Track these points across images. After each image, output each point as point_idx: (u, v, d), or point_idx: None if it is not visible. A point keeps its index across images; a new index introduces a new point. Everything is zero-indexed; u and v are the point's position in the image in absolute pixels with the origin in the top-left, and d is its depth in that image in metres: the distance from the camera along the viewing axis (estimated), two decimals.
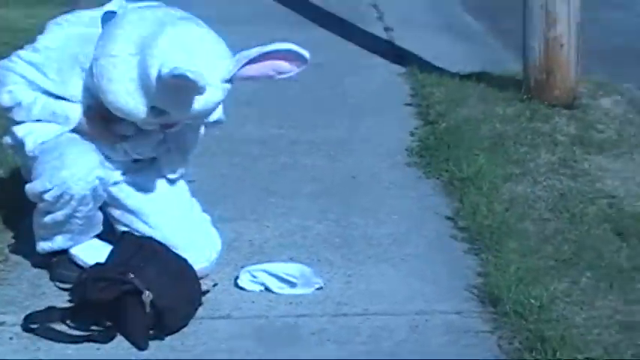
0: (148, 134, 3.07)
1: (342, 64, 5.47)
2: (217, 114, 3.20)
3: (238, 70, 2.89)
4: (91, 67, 2.94)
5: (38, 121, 3.03)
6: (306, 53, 2.95)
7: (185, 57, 2.80)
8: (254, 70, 2.93)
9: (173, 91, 2.82)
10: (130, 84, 2.86)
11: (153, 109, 2.88)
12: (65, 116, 3.02)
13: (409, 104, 4.86)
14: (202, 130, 3.26)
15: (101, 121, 3.04)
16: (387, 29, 6.19)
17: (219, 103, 2.96)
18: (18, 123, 3.05)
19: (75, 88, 3.02)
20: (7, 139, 3.14)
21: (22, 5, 6.46)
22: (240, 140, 4.35)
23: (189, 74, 2.74)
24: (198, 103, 2.87)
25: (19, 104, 3.02)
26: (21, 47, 5.41)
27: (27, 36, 5.65)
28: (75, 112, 3.02)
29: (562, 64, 4.71)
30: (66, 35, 3.07)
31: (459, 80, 5.04)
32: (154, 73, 2.81)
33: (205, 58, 2.84)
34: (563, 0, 4.67)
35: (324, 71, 5.28)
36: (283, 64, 2.94)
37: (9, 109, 3.04)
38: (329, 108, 4.82)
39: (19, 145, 3.07)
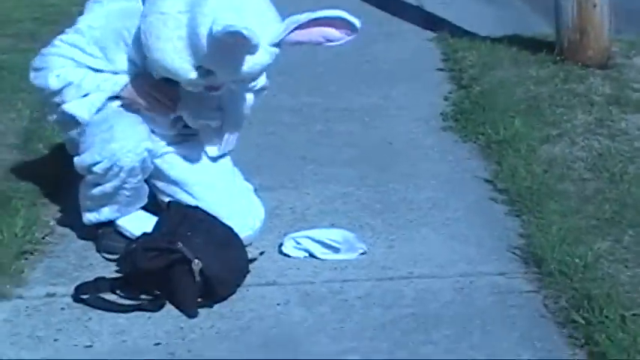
0: (200, 102, 3.09)
1: (372, 31, 5.45)
2: (262, 81, 3.21)
3: (287, 34, 2.90)
4: (137, 37, 2.96)
5: (86, 95, 3.05)
6: (356, 21, 2.93)
7: (236, 16, 2.80)
8: (302, 36, 2.92)
9: (223, 49, 2.82)
10: (178, 42, 2.87)
11: (199, 69, 2.89)
12: (113, 83, 3.04)
13: (441, 69, 4.86)
14: (251, 99, 3.27)
15: (150, 92, 3.05)
16: None
17: (266, 67, 2.96)
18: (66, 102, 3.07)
19: (122, 63, 3.04)
20: (54, 116, 3.17)
21: None
22: (275, 109, 4.37)
23: (244, 31, 2.74)
24: (247, 64, 2.88)
25: (68, 84, 3.03)
26: (50, 22, 5.50)
27: (56, 10, 5.76)
28: (121, 80, 3.04)
29: (595, 24, 4.69)
30: (107, 12, 3.08)
31: (490, 44, 5.03)
32: (203, 32, 2.81)
33: (255, 19, 2.84)
34: None
35: (355, 39, 5.24)
36: (333, 32, 2.93)
37: (58, 91, 3.04)
38: (361, 75, 4.83)
39: (68, 120, 3.08)
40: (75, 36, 3.07)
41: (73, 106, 3.04)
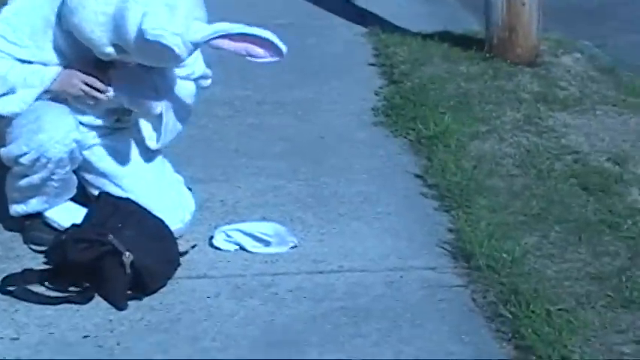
0: (135, 83, 3.05)
1: (303, 25, 5.47)
2: (200, 69, 3.21)
3: (212, 39, 2.89)
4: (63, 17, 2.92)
5: (12, 92, 2.99)
6: (283, 48, 2.94)
7: (166, 12, 2.79)
8: (227, 44, 2.91)
9: (146, 45, 2.81)
10: (101, 16, 2.84)
11: (115, 46, 2.88)
12: (40, 78, 3.00)
13: (373, 64, 4.89)
14: (192, 88, 3.24)
15: (80, 83, 3.02)
16: None
17: (181, 61, 2.94)
18: None
19: (50, 51, 3.00)
20: None
21: None
22: (207, 101, 4.33)
23: (175, 49, 2.76)
24: (163, 56, 2.87)
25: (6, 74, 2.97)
26: None
27: None
28: (49, 73, 3.00)
29: (524, 23, 4.75)
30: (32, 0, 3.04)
31: (421, 40, 5.07)
32: (131, 19, 2.79)
33: (184, 16, 2.83)
34: None
35: (286, 32, 5.16)
36: (258, 50, 2.94)
37: None
38: (293, 69, 4.82)
39: None
40: (1, 25, 3.02)
41: (1, 105, 2.99)
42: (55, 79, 3.00)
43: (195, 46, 2.88)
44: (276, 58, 2.97)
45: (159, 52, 2.81)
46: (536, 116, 4.23)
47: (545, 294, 2.84)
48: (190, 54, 2.91)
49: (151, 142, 3.17)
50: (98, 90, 3.01)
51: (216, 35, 2.88)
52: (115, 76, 3.02)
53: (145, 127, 3.15)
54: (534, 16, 4.77)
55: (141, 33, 2.78)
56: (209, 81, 3.32)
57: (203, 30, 2.87)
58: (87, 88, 3.00)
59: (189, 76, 3.20)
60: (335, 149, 3.97)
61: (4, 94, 2.98)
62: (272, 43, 2.93)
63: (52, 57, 3.01)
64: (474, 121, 4.13)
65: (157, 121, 3.14)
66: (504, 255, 3.04)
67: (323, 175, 3.72)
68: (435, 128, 3.99)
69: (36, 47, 3.00)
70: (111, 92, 3.02)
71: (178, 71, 3.16)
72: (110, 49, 2.89)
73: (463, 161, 3.74)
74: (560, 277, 2.98)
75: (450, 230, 3.29)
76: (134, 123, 3.17)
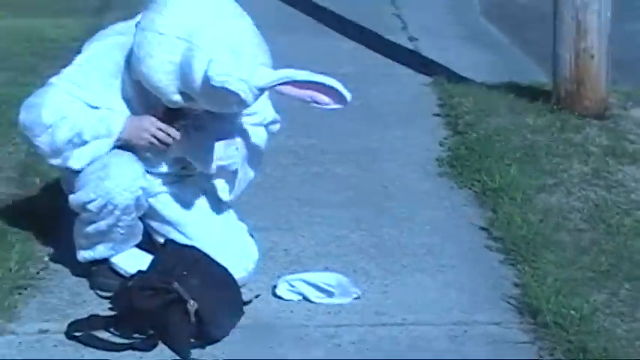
0: (211, 143, 3.08)
1: (368, 74, 5.48)
2: (271, 115, 3.23)
3: (277, 84, 2.91)
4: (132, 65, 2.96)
5: (84, 141, 3.01)
6: (348, 95, 2.96)
7: (232, 58, 2.82)
8: (292, 90, 2.95)
9: (213, 91, 2.84)
10: (168, 65, 2.88)
11: (182, 94, 2.91)
12: (107, 127, 3.02)
13: (437, 114, 4.87)
14: (264, 135, 3.26)
15: (150, 131, 3.04)
16: (411, 39, 6.19)
17: (245, 107, 2.96)
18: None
19: (119, 97, 3.04)
20: (51, 161, 3.16)
21: (50, 16, 6.49)
22: (271, 150, 4.33)
23: (241, 94, 2.78)
24: (228, 101, 2.89)
25: (63, 118, 3.00)
26: (50, 57, 5.50)
27: (55, 45, 5.76)
28: (118, 122, 3.03)
29: (592, 75, 4.71)
30: (104, 46, 3.09)
31: (486, 90, 5.04)
32: (197, 67, 2.83)
33: (250, 62, 2.86)
34: (593, 11, 4.68)
35: (351, 81, 5.20)
36: (322, 97, 2.96)
37: (52, 125, 3.00)
38: (358, 118, 4.83)
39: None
40: (72, 71, 3.07)
41: (74, 160, 3.02)
42: (124, 127, 3.02)
43: (261, 91, 2.91)
44: (340, 106, 2.98)
45: (225, 97, 2.84)
46: (604, 170, 4.18)
47: (615, 354, 2.79)
48: (256, 99, 2.93)
49: (224, 195, 3.19)
50: (169, 135, 3.03)
51: (282, 81, 2.90)
52: (190, 137, 3.05)
53: (219, 179, 3.17)
54: (603, 69, 4.73)
55: (207, 79, 2.81)
56: (278, 126, 3.34)
57: (268, 76, 2.89)
58: (160, 134, 3.02)
59: (261, 122, 3.22)
60: (398, 199, 3.95)
61: (77, 145, 3.00)
62: (336, 90, 2.95)
63: (121, 104, 3.05)
64: (541, 173, 4.09)
65: (230, 173, 3.16)
66: (572, 312, 2.98)
67: (386, 226, 3.70)
68: (500, 180, 3.96)
69: (105, 92, 3.04)
70: (178, 135, 3.04)
71: (251, 119, 3.18)
72: (177, 97, 2.93)
73: (529, 214, 3.70)
74: (631, 336, 2.92)
75: (516, 285, 3.25)
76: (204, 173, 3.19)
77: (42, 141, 3.01)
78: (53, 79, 3.08)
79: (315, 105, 2.98)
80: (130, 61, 2.97)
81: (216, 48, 2.84)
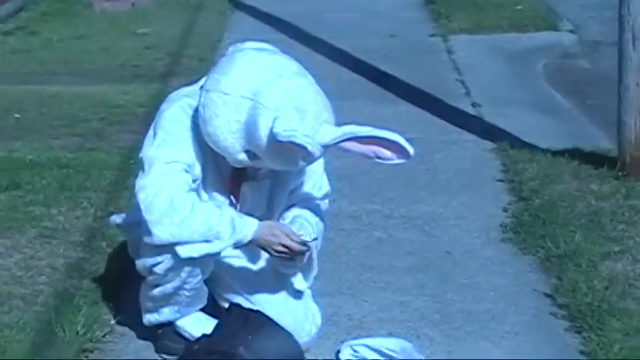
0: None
1: (431, 139, 5.49)
2: (326, 187, 3.26)
3: (341, 141, 2.94)
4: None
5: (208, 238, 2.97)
6: (411, 150, 2.98)
7: (297, 116, 2.87)
8: (355, 147, 2.98)
9: (279, 147, 2.88)
10: (234, 124, 2.93)
11: (248, 152, 2.94)
12: (240, 231, 3.00)
13: (501, 180, 4.86)
14: (326, 205, 3.29)
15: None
16: (474, 105, 6.20)
17: (311, 160, 2.99)
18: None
19: (192, 155, 3.05)
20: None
21: (116, 82, 6.63)
22: (334, 215, 4.37)
23: (308, 146, 2.81)
24: (295, 156, 2.93)
25: (192, 209, 2.96)
26: (116, 122, 5.61)
27: (121, 111, 5.88)
28: (250, 228, 3.01)
29: None
30: (174, 112, 3.09)
31: (550, 156, 5.03)
32: (262, 125, 2.87)
33: (314, 119, 2.90)
34: None
35: (414, 146, 5.23)
36: (385, 152, 2.99)
37: (179, 212, 2.95)
38: (421, 183, 4.84)
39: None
40: (160, 140, 3.02)
41: (186, 249, 2.97)
42: (256, 233, 3.01)
43: (325, 148, 2.93)
44: (403, 160, 3.00)
45: (291, 152, 2.88)
46: None
47: None
48: (321, 155, 2.96)
49: (300, 284, 3.20)
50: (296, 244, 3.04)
51: (345, 137, 2.92)
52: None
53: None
54: None
55: (273, 136, 2.85)
56: (327, 201, 3.36)
57: (332, 132, 2.92)
58: (290, 242, 3.03)
59: (325, 195, 3.26)
60: (462, 265, 3.94)
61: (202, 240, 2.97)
62: (399, 144, 2.97)
63: (195, 160, 3.04)
64: (606, 240, 4.05)
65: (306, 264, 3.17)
66: None
67: (450, 292, 3.69)
68: (565, 247, 3.93)
69: (183, 151, 3.02)
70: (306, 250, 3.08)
71: (316, 192, 3.21)
72: (243, 156, 2.96)
73: (595, 281, 3.66)
74: None
75: (582, 352, 3.22)
76: None
77: (165, 228, 2.94)
78: (149, 153, 3.01)
79: (378, 160, 3.00)
80: (197, 124, 3.02)
81: (280, 106, 2.88)
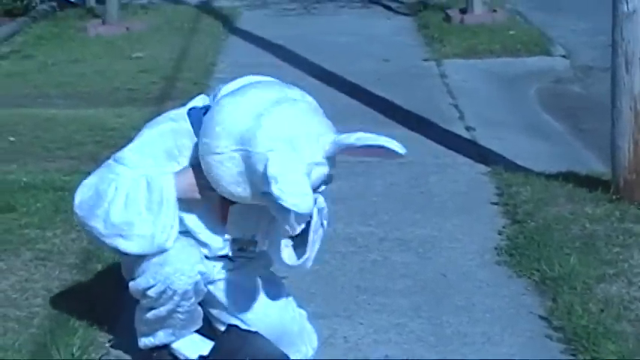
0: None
1: (426, 163, 5.51)
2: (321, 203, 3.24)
3: (338, 152, 2.95)
4: (187, 156, 3.04)
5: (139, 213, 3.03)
6: (402, 150, 2.99)
7: (288, 147, 2.87)
8: (352, 152, 2.97)
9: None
10: (238, 177, 2.94)
11: (264, 193, 2.93)
12: (160, 187, 3.04)
13: (495, 203, 4.87)
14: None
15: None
16: (468, 129, 6.22)
17: (327, 177, 2.97)
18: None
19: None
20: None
21: (111, 105, 6.64)
22: (330, 238, 4.37)
23: (294, 208, 2.81)
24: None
25: (117, 190, 3.03)
26: (111, 145, 5.62)
27: (116, 134, 5.89)
28: (170, 183, 3.05)
29: None
30: (158, 133, 3.11)
31: (545, 180, 5.04)
32: (260, 169, 2.88)
33: (307, 141, 2.90)
34: None
35: (409, 169, 5.33)
36: (379, 152, 2.99)
37: (108, 201, 3.03)
38: (415, 206, 4.85)
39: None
40: (125, 155, 3.10)
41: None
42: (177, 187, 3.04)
43: (329, 160, 2.93)
44: (397, 159, 3.04)
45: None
46: None
47: None
48: (332, 165, 2.95)
49: (289, 258, 3.09)
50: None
51: (340, 149, 2.93)
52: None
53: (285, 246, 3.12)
54: None
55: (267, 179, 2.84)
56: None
57: (329, 140, 2.92)
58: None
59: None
60: (457, 288, 3.95)
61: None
62: (390, 150, 2.97)
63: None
64: (601, 263, 4.06)
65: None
66: None
67: (445, 314, 3.70)
68: (560, 269, 3.94)
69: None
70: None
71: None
72: (259, 198, 2.95)
73: (590, 304, 3.67)
74: None
75: None
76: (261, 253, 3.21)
77: (97, 220, 3.03)
78: (109, 162, 3.13)
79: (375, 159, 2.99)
80: (180, 146, 3.06)
81: (269, 145, 2.88)
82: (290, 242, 3.03)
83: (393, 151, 2.97)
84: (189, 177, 3.05)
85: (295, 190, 2.81)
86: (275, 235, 3.10)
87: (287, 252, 3.03)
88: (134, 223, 3.00)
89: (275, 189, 2.81)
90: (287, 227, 2.91)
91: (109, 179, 3.04)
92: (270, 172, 2.83)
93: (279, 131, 2.89)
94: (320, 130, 2.94)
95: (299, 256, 3.03)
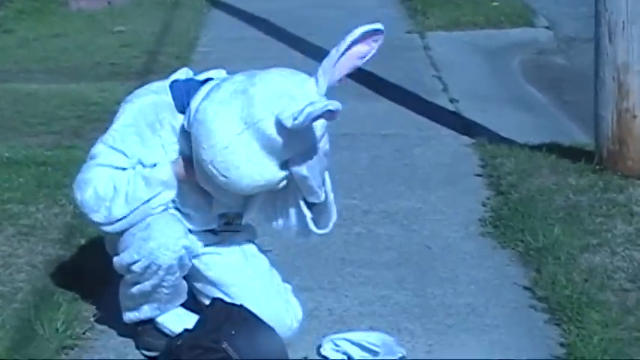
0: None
1: (409, 135, 5.51)
2: None
3: (331, 80, 2.94)
4: (171, 127, 3.04)
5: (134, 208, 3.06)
6: (379, 25, 2.98)
7: (286, 100, 2.87)
8: (341, 70, 2.96)
9: (303, 132, 2.88)
10: (255, 157, 2.91)
11: (282, 165, 2.92)
12: (159, 180, 3.06)
13: (479, 175, 4.88)
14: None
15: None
16: (452, 100, 6.21)
17: (335, 112, 2.91)
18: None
19: (160, 153, 3.08)
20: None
21: (93, 80, 6.60)
22: None
23: (330, 106, 2.81)
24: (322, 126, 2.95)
25: (115, 190, 3.05)
26: (94, 120, 5.60)
27: (99, 109, 5.87)
28: (166, 173, 3.07)
29: (635, 135, 4.70)
30: (139, 108, 3.11)
31: (528, 151, 5.04)
32: (274, 133, 2.87)
33: (298, 89, 2.90)
34: (635, 72, 4.68)
35: (393, 142, 5.33)
36: (362, 48, 2.98)
37: (105, 199, 3.05)
38: (399, 178, 4.85)
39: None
40: (111, 137, 3.09)
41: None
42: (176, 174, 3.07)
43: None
44: (380, 40, 2.99)
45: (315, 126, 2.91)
46: None
47: None
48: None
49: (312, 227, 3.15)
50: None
51: (330, 73, 2.92)
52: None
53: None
54: None
55: (295, 129, 2.84)
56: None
57: (318, 81, 2.91)
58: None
59: None
60: (441, 259, 3.95)
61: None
62: (368, 32, 2.97)
63: (162, 158, 3.07)
64: (584, 233, 4.07)
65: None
66: None
67: (430, 286, 3.70)
68: (544, 240, 3.95)
69: (145, 152, 3.06)
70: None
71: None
72: (282, 174, 2.96)
73: (574, 274, 3.68)
74: None
75: (561, 345, 3.24)
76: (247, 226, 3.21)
77: (100, 216, 3.06)
78: (95, 151, 3.12)
79: (365, 59, 2.98)
80: (161, 120, 3.06)
81: (268, 107, 2.87)
82: (310, 214, 3.09)
83: (374, 30, 2.96)
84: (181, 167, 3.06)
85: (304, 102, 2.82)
86: (295, 211, 3.13)
87: (313, 223, 3.11)
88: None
89: (294, 119, 2.78)
90: (313, 192, 2.97)
91: (107, 177, 3.06)
92: (286, 120, 2.82)
93: (271, 91, 2.90)
94: (302, 75, 2.96)
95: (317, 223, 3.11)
